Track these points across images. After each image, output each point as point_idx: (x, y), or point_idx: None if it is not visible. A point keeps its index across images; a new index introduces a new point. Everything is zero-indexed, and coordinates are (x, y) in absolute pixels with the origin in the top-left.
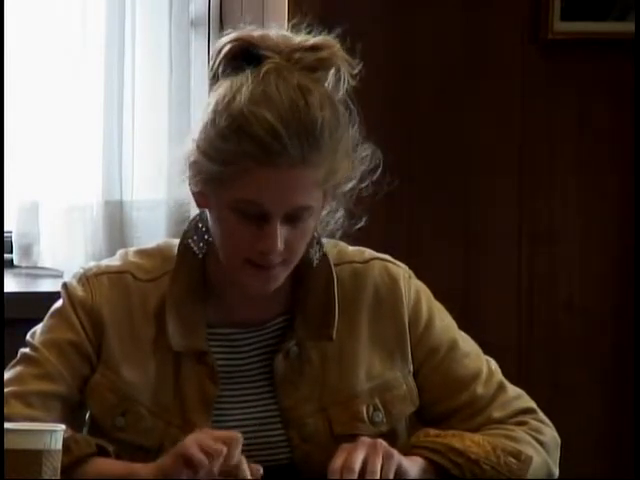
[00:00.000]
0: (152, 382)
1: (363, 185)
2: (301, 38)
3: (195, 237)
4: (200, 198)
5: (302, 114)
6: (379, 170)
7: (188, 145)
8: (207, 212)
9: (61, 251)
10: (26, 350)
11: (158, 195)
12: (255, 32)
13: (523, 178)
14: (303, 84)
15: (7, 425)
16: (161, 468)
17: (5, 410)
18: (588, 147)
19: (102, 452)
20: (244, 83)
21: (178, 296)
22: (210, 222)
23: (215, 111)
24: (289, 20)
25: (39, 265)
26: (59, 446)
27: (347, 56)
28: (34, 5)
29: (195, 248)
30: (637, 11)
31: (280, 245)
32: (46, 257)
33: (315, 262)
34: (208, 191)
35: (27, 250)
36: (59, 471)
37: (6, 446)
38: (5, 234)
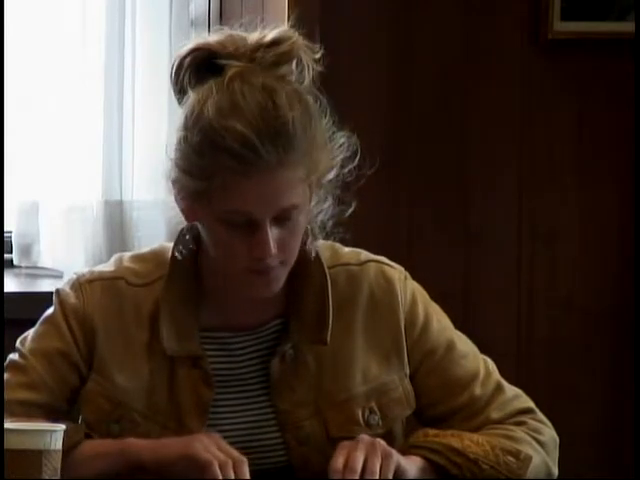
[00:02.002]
0: (146, 387)
1: (345, 170)
2: (258, 35)
3: (180, 246)
4: (189, 213)
5: (272, 118)
6: (358, 156)
7: (166, 164)
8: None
9: (61, 251)
10: (15, 357)
11: (158, 195)
12: (211, 38)
13: (523, 178)
14: (268, 85)
15: (7, 425)
16: (160, 459)
17: None
18: (588, 147)
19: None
20: (210, 95)
21: (172, 300)
22: (202, 233)
23: (186, 127)
24: (289, 19)
25: (39, 265)
26: (59, 446)
27: (307, 42)
28: (34, 5)
29: (177, 255)
30: (637, 11)
31: (274, 249)
32: (46, 257)
33: (313, 255)
34: (194, 205)
35: (27, 250)
36: (59, 471)
37: (6, 446)
38: (5, 234)
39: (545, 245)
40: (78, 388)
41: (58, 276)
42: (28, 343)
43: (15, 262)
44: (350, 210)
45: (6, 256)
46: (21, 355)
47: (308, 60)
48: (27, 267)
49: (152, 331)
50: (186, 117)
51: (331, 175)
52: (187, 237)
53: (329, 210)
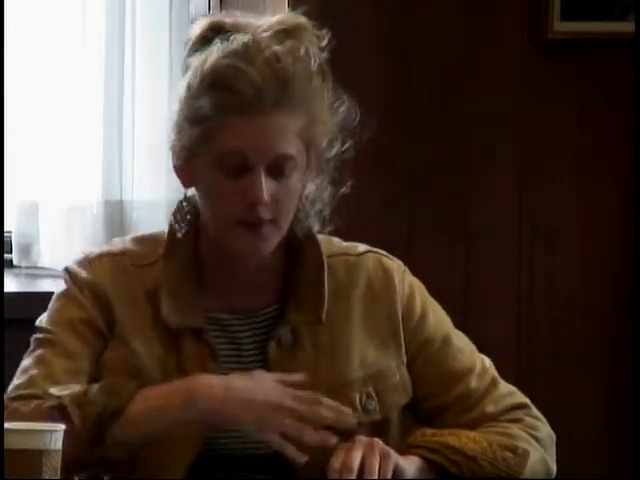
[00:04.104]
0: (157, 357)
1: (344, 148)
2: (268, 18)
3: (178, 216)
4: (186, 174)
5: (274, 63)
6: (356, 120)
7: (168, 125)
8: (194, 190)
9: (61, 251)
10: (40, 335)
11: (158, 195)
12: (226, 18)
13: (523, 177)
14: (273, 43)
15: (7, 425)
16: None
17: (36, 391)
18: (588, 147)
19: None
20: (214, 49)
21: (172, 275)
22: (198, 198)
23: (189, 79)
24: None
25: (39, 265)
26: (59, 446)
27: (315, 30)
28: (34, 5)
29: (176, 226)
30: (637, 11)
31: (266, 195)
32: (46, 257)
33: (300, 234)
34: (192, 159)
35: (27, 250)
36: (59, 471)
37: (6, 446)
38: (5, 234)
39: (545, 245)
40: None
41: (58, 276)
42: (49, 319)
43: (15, 262)
44: (345, 189)
45: (6, 256)
46: (46, 331)
47: (314, 47)
48: (27, 267)
49: (155, 309)
50: (189, 74)
51: (332, 153)
52: (184, 204)
53: (326, 198)
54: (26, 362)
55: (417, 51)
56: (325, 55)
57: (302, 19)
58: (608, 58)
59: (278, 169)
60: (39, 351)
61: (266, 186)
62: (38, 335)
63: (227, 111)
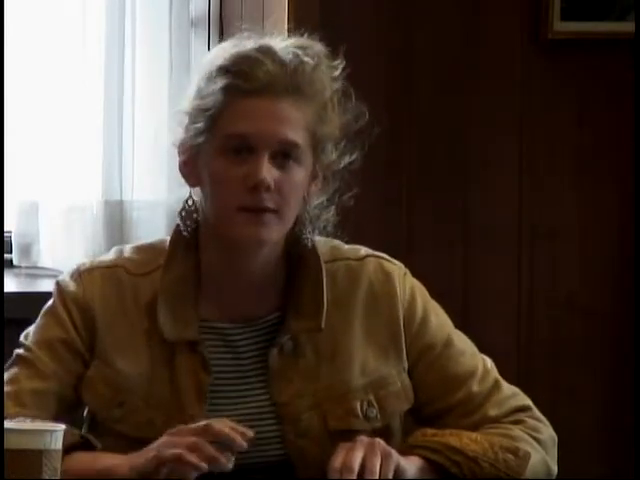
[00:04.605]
0: (146, 374)
1: (352, 158)
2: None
3: (183, 213)
4: (191, 171)
5: (289, 59)
6: (362, 120)
7: (176, 120)
8: (199, 190)
9: (61, 251)
10: (20, 351)
11: (158, 195)
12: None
13: (523, 177)
14: (289, 48)
15: (7, 425)
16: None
17: None
18: (588, 147)
19: (90, 446)
20: (230, 46)
21: (171, 285)
22: (202, 194)
23: (202, 71)
24: (289, 20)
25: (39, 265)
26: (59, 446)
27: (329, 61)
28: (34, 5)
29: (181, 225)
30: (637, 11)
31: (268, 179)
32: (46, 257)
33: (310, 244)
34: (197, 152)
35: (27, 250)
36: (59, 471)
37: (6, 446)
38: (5, 234)
39: (545, 245)
40: (83, 375)
41: (58, 276)
42: (31, 336)
43: (15, 262)
44: (347, 198)
45: (6, 256)
46: (26, 348)
47: (326, 69)
48: (27, 267)
49: (151, 318)
50: (204, 65)
51: (341, 164)
52: (189, 204)
53: (330, 218)
54: (5, 376)
55: (417, 51)
56: (337, 85)
57: (319, 45)
58: (608, 58)
59: (282, 157)
60: (14, 369)
61: (269, 172)
62: (19, 351)
63: (235, 93)
